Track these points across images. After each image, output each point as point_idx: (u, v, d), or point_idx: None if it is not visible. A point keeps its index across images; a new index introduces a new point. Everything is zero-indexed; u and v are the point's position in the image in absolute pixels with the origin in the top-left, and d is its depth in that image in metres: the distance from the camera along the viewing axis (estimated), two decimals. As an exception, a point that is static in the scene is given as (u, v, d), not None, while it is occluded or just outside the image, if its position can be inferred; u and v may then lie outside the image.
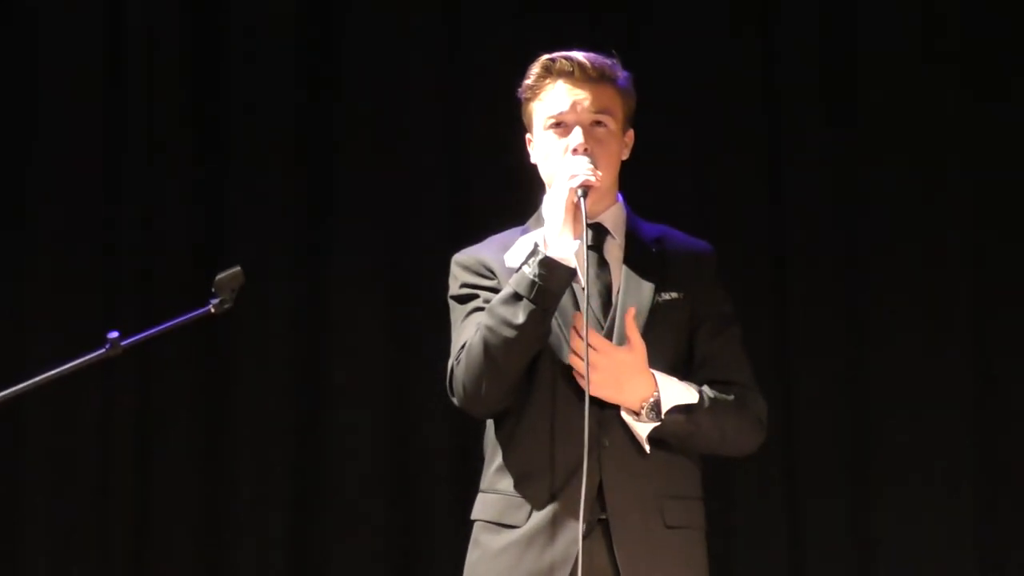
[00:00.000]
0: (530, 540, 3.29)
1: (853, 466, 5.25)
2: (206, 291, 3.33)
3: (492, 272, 3.41)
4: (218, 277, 3.34)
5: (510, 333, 3.25)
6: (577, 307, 3.33)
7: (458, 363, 3.34)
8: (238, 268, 3.35)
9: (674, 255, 3.44)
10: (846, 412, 5.26)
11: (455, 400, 3.38)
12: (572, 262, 3.26)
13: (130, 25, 5.40)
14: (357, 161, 5.39)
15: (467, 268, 3.45)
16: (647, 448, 3.30)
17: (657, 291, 3.38)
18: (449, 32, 5.38)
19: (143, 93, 5.38)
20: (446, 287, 3.50)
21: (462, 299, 3.44)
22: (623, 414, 3.31)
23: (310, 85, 5.43)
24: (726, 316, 3.45)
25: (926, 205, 5.29)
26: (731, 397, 3.37)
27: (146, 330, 3.36)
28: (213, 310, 3.34)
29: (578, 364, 3.28)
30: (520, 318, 3.24)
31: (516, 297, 3.25)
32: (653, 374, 3.30)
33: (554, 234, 3.28)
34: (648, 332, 3.34)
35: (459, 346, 3.36)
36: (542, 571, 3.28)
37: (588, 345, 3.27)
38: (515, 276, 3.29)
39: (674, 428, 3.31)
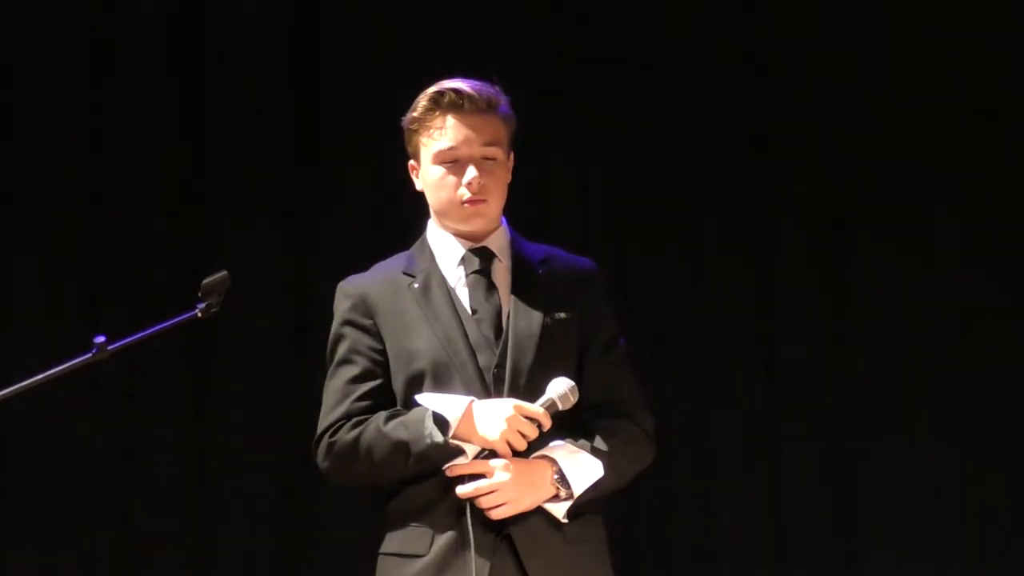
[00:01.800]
0: (438, 566, 3.32)
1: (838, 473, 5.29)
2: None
3: (370, 313, 3.43)
4: (205, 281, 3.34)
5: (393, 468, 3.34)
6: (466, 339, 3.38)
7: (332, 443, 3.38)
8: (225, 272, 3.35)
9: (560, 275, 3.47)
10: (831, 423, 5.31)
11: (319, 464, 3.44)
12: (467, 455, 3.32)
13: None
14: (344, 172, 5.42)
15: (349, 300, 3.47)
16: (565, 522, 3.34)
17: (546, 312, 3.40)
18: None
19: (130, 90, 5.39)
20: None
21: (337, 340, 3.46)
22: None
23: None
24: (612, 335, 3.48)
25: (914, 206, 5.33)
26: (620, 431, 3.40)
27: (133, 334, 3.36)
28: (200, 314, 3.34)
29: (478, 493, 3.31)
30: (406, 468, 3.33)
31: (407, 452, 3.31)
32: (551, 459, 3.34)
33: (464, 433, 3.31)
34: (539, 354, 3.37)
35: (331, 417, 3.40)
36: None
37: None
38: (415, 428, 3.31)
39: (585, 498, 3.35)
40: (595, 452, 3.35)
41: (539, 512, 3.32)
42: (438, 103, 3.43)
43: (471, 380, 3.35)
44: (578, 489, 3.32)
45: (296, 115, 5.45)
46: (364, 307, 3.44)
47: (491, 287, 3.44)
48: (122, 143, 5.40)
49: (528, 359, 3.36)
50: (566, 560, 3.33)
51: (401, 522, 3.37)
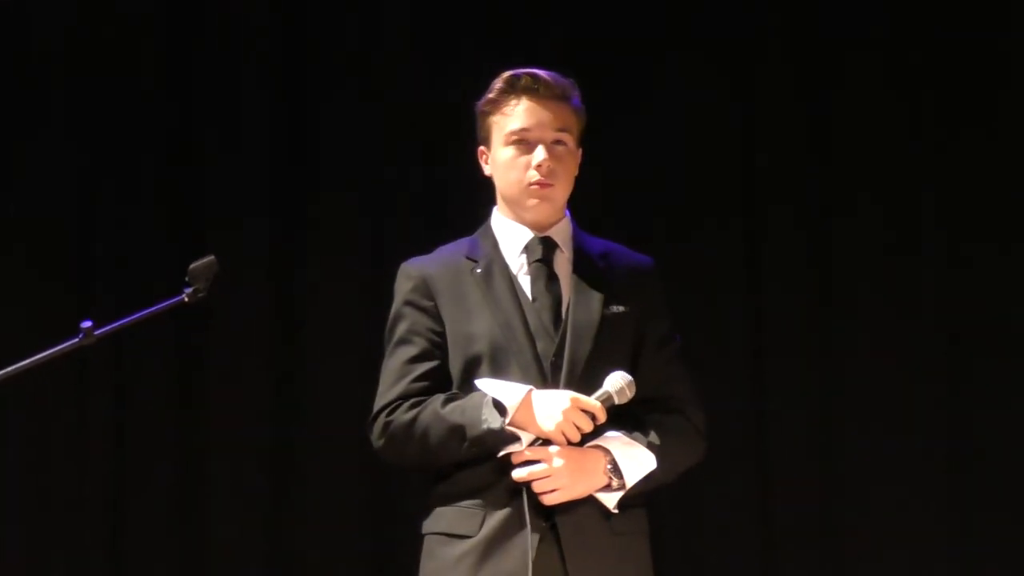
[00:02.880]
0: (485, 548, 3.35)
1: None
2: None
3: (431, 295, 3.46)
4: (192, 266, 3.33)
5: (448, 451, 3.37)
6: (526, 324, 3.41)
7: (388, 422, 3.42)
8: (212, 257, 3.35)
9: (620, 269, 3.52)
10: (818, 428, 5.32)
11: (375, 444, 3.47)
12: (522, 442, 3.34)
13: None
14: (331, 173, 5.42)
15: (410, 280, 3.50)
16: (615, 512, 3.38)
17: (605, 304, 3.45)
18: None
19: (118, 76, 5.38)
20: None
21: (397, 318, 3.49)
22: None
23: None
24: (668, 331, 3.52)
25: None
26: (673, 427, 3.44)
27: (120, 319, 3.35)
28: (187, 299, 3.34)
29: (533, 478, 3.34)
30: (460, 453, 3.36)
31: (462, 436, 3.34)
32: (605, 449, 3.38)
33: (521, 421, 3.33)
34: (597, 344, 3.41)
35: (389, 392, 3.44)
36: None
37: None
38: (471, 414, 3.34)
39: (637, 489, 3.39)
40: (649, 446, 3.39)
41: (588, 502, 3.36)
42: (514, 86, 3.48)
43: (528, 366, 3.39)
44: (631, 480, 3.37)
45: (284, 105, 5.44)
46: (425, 288, 3.47)
47: (552, 276, 3.48)
48: (110, 131, 5.39)
49: (586, 349, 3.41)
50: (608, 552, 3.37)
51: (451, 503, 3.40)
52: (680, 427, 3.45)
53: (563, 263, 3.50)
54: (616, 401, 3.35)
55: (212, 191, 5.39)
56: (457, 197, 5.13)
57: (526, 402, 3.33)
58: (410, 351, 3.44)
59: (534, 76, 3.48)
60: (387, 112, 5.38)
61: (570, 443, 3.33)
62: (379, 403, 3.45)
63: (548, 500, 3.33)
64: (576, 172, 3.53)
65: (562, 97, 3.49)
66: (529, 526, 3.30)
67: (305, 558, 5.32)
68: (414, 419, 3.39)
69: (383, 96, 5.39)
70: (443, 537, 3.41)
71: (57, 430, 5.30)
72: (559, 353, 3.40)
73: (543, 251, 3.49)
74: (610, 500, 3.37)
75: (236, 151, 5.40)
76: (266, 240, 5.38)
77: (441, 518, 3.42)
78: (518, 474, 3.33)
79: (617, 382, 3.35)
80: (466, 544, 3.36)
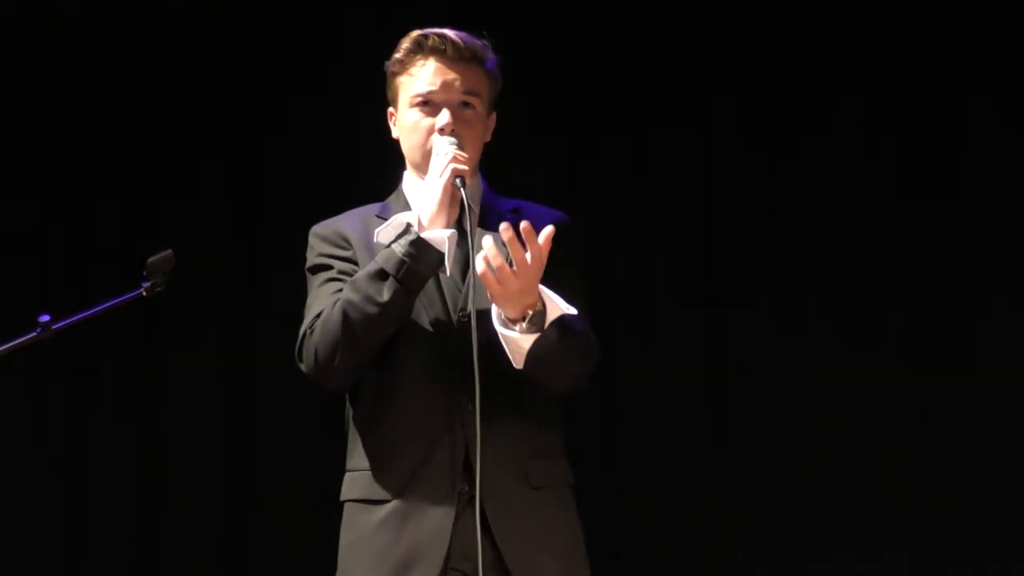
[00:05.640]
0: (404, 514, 3.29)
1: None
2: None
3: (348, 243, 3.40)
4: (150, 260, 3.33)
5: (372, 310, 3.24)
6: (440, 288, 3.33)
7: (311, 331, 3.31)
8: (170, 251, 3.34)
9: (531, 220, 3.30)
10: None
11: (303, 367, 3.35)
12: (444, 247, 3.25)
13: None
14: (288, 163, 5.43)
15: (324, 239, 3.43)
16: (520, 364, 3.25)
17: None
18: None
19: (77, 64, 5.40)
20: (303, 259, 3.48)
21: (317, 268, 3.42)
22: (500, 328, 3.24)
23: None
24: (574, 269, 3.40)
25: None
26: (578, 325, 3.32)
27: (78, 313, 3.35)
28: (145, 293, 3.34)
29: (488, 276, 3.19)
30: (385, 296, 3.23)
31: (382, 275, 3.23)
32: (539, 287, 3.25)
33: (428, 217, 3.27)
34: None
35: (313, 315, 3.33)
36: (421, 544, 3.27)
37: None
38: (384, 253, 3.26)
39: (549, 342, 3.24)
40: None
41: (502, 463, 3.28)
42: (421, 46, 3.39)
43: (439, 317, 3.31)
44: (552, 315, 3.22)
45: (244, 91, 5.45)
46: (339, 239, 3.41)
47: (462, 233, 3.33)
48: (70, 119, 5.40)
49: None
50: (530, 507, 3.30)
51: (366, 467, 3.33)
52: (583, 328, 3.32)
53: (472, 220, 3.35)
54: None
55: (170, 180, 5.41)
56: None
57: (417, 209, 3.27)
58: (332, 286, 3.35)
59: (442, 36, 3.38)
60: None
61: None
62: (301, 330, 3.35)
63: (493, 290, 3.17)
64: (488, 137, 3.45)
65: (472, 59, 3.39)
66: (453, 485, 3.23)
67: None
68: (331, 309, 3.27)
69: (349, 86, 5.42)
70: (360, 504, 3.34)
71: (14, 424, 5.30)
72: (466, 304, 3.31)
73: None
74: (523, 342, 3.22)
75: (195, 138, 5.43)
76: (225, 230, 5.41)
77: (357, 484, 3.36)
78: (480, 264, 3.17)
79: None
80: (384, 509, 3.30)
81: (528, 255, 3.17)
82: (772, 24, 5.41)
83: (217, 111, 5.44)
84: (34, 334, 3.28)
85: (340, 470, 3.40)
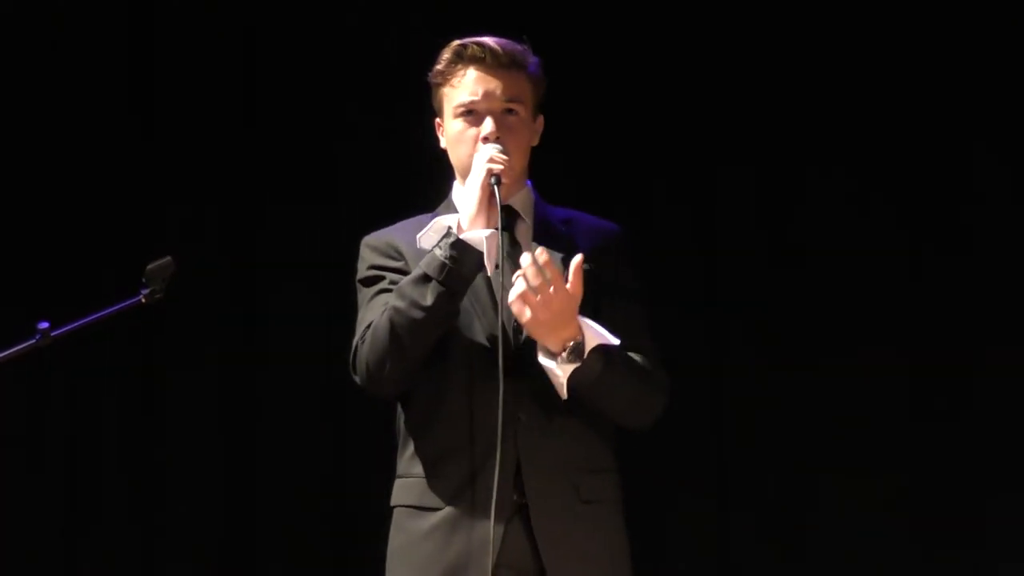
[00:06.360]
0: (454, 522, 3.30)
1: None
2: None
3: (400, 254, 3.41)
4: (149, 267, 3.33)
5: (417, 314, 3.24)
6: (490, 289, 3.33)
7: (363, 342, 3.32)
8: (169, 258, 3.35)
9: (583, 232, 3.42)
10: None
11: (357, 379, 3.36)
12: (483, 247, 3.25)
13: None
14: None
15: (375, 250, 3.44)
16: (564, 394, 3.27)
17: (566, 262, 3.30)
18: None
19: (81, 75, 5.38)
20: (355, 270, 3.48)
21: (369, 281, 3.43)
22: (541, 359, 3.27)
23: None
24: (634, 290, 3.43)
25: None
26: (640, 360, 3.35)
27: (77, 320, 3.35)
28: (144, 300, 3.34)
29: (518, 305, 3.22)
30: (428, 300, 3.24)
31: (425, 279, 3.24)
32: (580, 319, 3.26)
33: (468, 219, 3.28)
34: None
35: (364, 326, 3.35)
36: (469, 553, 3.28)
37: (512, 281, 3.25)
38: (426, 257, 3.27)
39: (591, 372, 3.25)
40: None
41: (555, 469, 3.28)
42: (461, 56, 3.40)
43: (492, 329, 3.31)
44: (590, 344, 3.22)
45: (242, 94, 5.45)
46: (391, 250, 3.42)
47: (514, 242, 3.38)
48: (69, 119, 5.39)
49: None
50: (578, 522, 3.30)
51: (417, 474, 3.34)
52: (646, 364, 3.34)
53: (524, 231, 3.41)
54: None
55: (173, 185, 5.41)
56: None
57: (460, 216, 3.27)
58: (385, 297, 3.35)
59: (481, 44, 3.39)
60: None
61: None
62: (353, 342, 3.35)
63: (525, 320, 3.20)
64: (535, 142, 3.46)
65: (511, 64, 3.40)
66: (496, 496, 3.21)
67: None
68: (379, 320, 3.28)
69: (345, 87, 5.41)
70: (410, 510, 3.35)
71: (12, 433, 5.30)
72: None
73: (504, 220, 3.33)
74: (562, 372, 3.23)
75: (195, 143, 5.42)
76: (223, 234, 5.40)
77: (407, 490, 3.37)
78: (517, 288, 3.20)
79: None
80: (434, 517, 3.31)
81: (552, 288, 3.18)
82: (767, 47, 5.40)
83: (217, 111, 5.44)
84: (33, 341, 3.29)
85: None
